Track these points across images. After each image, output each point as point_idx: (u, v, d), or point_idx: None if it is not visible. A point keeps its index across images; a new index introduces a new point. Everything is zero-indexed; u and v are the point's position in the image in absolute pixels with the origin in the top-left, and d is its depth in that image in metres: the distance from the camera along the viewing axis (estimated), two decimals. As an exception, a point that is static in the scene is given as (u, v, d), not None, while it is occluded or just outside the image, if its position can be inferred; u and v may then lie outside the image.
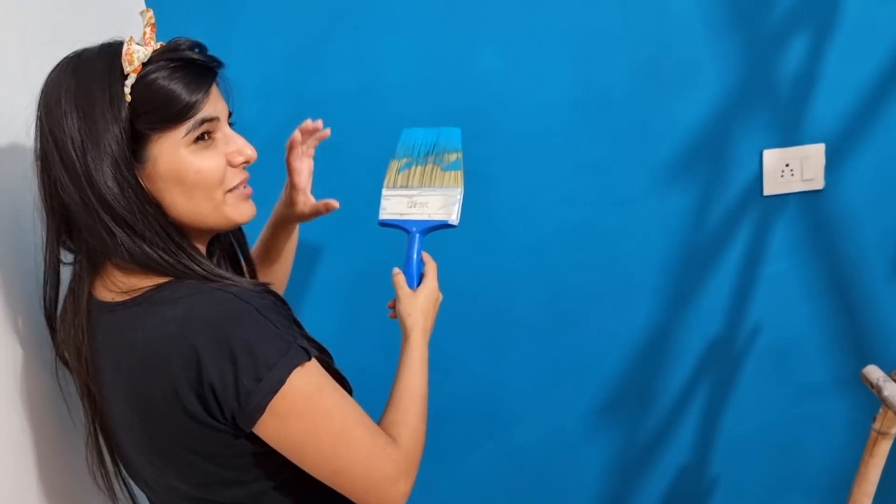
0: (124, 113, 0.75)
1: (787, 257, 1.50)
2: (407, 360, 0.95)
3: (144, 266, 0.79)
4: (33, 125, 0.79)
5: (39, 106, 0.78)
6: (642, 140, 1.42)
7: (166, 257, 0.78)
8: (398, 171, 1.10)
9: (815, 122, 1.41)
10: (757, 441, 1.62)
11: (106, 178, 0.75)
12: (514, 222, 1.46)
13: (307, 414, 0.76)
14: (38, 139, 0.78)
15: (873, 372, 1.16)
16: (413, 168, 1.09)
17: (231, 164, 0.83)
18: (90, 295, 0.82)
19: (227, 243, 0.98)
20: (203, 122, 0.79)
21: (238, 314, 0.75)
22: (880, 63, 1.38)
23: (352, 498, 0.83)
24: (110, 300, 0.81)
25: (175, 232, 0.80)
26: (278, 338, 0.76)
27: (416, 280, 1.03)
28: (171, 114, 0.76)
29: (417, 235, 1.05)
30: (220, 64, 0.83)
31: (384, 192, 1.09)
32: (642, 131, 1.41)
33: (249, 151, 0.84)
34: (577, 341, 1.55)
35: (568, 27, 1.35)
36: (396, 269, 1.04)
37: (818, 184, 1.44)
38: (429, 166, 1.09)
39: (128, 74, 0.75)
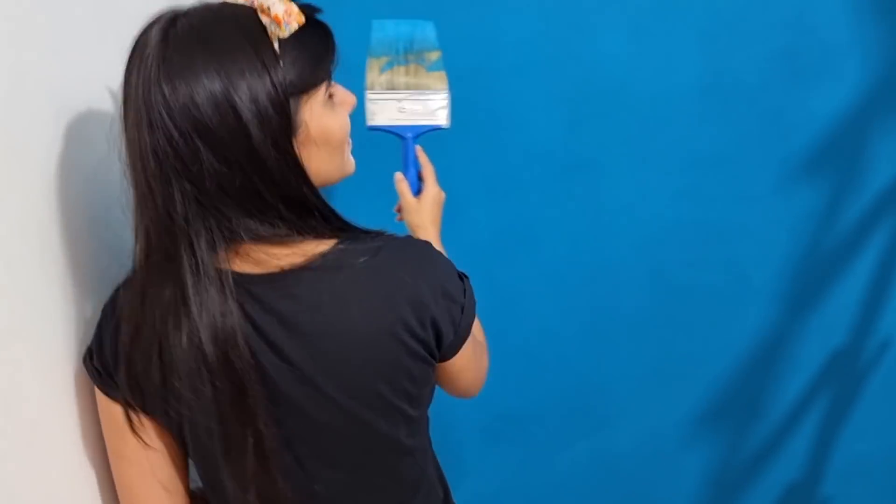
0: (277, 78, 0.67)
1: (926, 267, 1.37)
2: None
3: (311, 235, 0.73)
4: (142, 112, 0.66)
5: (162, 86, 0.65)
6: (773, 132, 1.32)
7: (329, 223, 0.75)
8: (381, 71, 1.05)
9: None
10: (877, 462, 1.51)
11: (267, 151, 0.67)
12: (628, 213, 1.38)
13: (475, 331, 0.84)
14: (168, 119, 0.65)
15: None
16: (396, 68, 1.05)
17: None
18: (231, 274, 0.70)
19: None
20: (332, 78, 0.75)
21: (427, 256, 0.79)
22: None
23: (467, 394, 0.91)
24: (281, 269, 0.71)
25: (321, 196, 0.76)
26: (454, 268, 0.82)
27: (417, 184, 1.04)
28: (320, 73, 0.71)
29: (413, 140, 1.05)
30: (329, 30, 0.76)
31: (368, 94, 1.04)
32: (774, 123, 1.31)
33: (353, 99, 0.79)
34: (684, 342, 1.46)
35: (700, 8, 1.26)
36: (399, 175, 1.03)
37: (969, 187, 1.31)
38: (412, 66, 1.06)
39: (274, 37, 0.68)
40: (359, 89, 0.87)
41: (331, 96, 0.74)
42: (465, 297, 0.80)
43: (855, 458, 1.50)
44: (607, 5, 1.27)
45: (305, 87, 0.70)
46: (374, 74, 1.05)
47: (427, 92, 1.05)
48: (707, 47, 1.28)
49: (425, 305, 0.75)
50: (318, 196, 0.73)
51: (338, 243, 0.74)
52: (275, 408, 0.72)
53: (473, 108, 1.32)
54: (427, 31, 1.06)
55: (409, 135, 1.04)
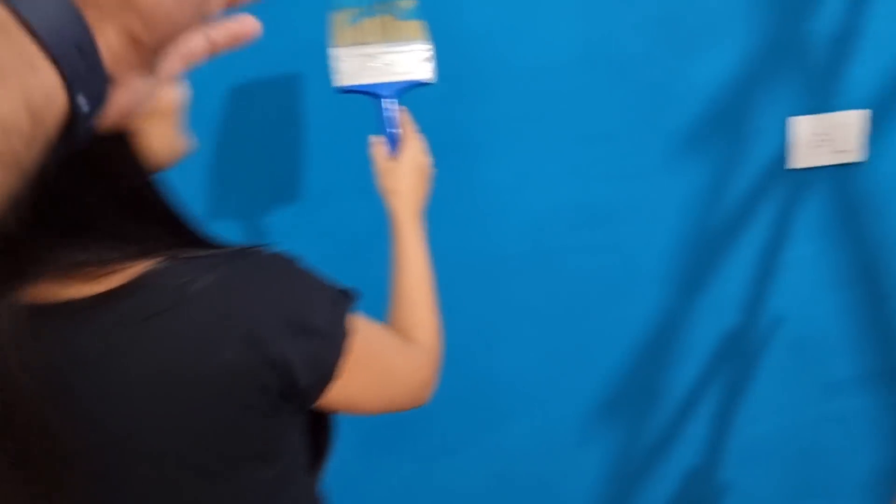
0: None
1: (815, 240, 1.33)
2: (402, 248, 0.87)
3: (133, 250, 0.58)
4: None
5: None
6: (657, 105, 1.23)
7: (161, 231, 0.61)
8: (346, 26, 0.95)
9: (854, 85, 1.24)
10: (774, 444, 1.47)
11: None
12: (510, 198, 1.27)
13: (361, 365, 0.67)
14: None
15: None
16: (364, 21, 0.95)
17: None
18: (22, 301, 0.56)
19: None
20: None
21: (277, 278, 0.62)
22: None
23: (388, 411, 0.76)
24: (70, 298, 0.56)
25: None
26: (322, 289, 0.65)
27: (395, 148, 0.93)
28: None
29: (392, 99, 0.94)
30: None
31: (335, 52, 0.94)
32: (657, 95, 1.23)
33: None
34: (577, 331, 1.37)
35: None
36: (373, 139, 0.93)
37: (855, 156, 1.27)
38: (382, 17, 0.96)
39: None
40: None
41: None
42: (337, 326, 0.64)
43: (752, 441, 1.46)
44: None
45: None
46: (339, 29, 0.95)
47: (402, 43, 0.95)
48: (583, 17, 1.18)
49: (265, 342, 0.58)
50: (156, 191, 0.60)
51: (162, 261, 0.58)
52: (66, 471, 0.58)
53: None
54: None
55: (386, 93, 0.94)
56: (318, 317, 0.63)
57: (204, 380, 0.57)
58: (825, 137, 1.25)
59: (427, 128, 1.19)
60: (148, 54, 0.37)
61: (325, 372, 0.63)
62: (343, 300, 0.67)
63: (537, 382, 1.40)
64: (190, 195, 0.69)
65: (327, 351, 0.63)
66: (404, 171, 0.91)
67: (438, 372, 0.83)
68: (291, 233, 1.25)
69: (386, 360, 0.73)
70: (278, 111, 1.19)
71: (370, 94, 0.95)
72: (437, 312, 0.87)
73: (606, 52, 1.20)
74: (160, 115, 0.62)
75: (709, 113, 1.24)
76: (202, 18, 0.39)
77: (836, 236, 1.33)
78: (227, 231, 1.09)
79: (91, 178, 0.55)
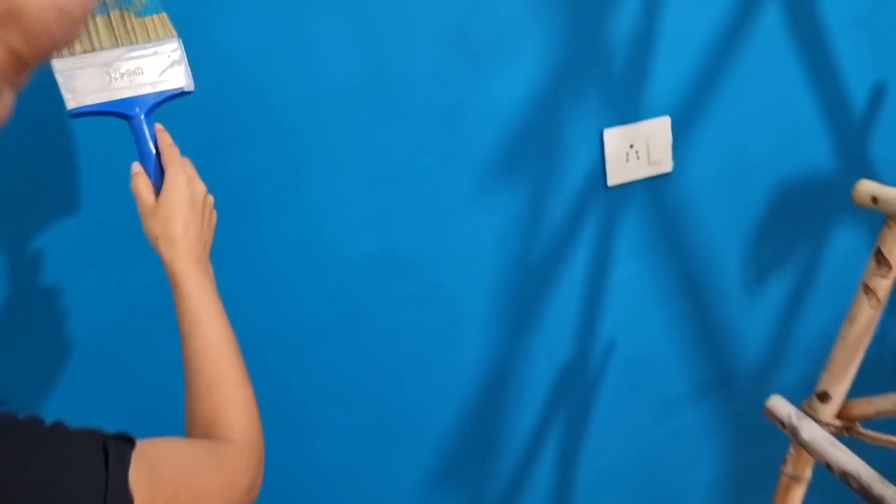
0: None
1: (637, 258, 1.24)
2: (185, 310, 0.69)
3: None
4: None
5: None
6: (456, 130, 1.07)
7: None
8: None
9: (657, 91, 1.15)
10: (621, 471, 1.38)
11: None
12: (301, 256, 1.05)
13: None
14: None
15: (782, 406, 0.92)
16: (92, 21, 0.75)
17: None
18: None
19: None
20: None
21: (17, 461, 0.45)
22: (720, 16, 1.15)
23: None
24: None
25: None
26: (92, 452, 0.49)
27: (158, 178, 0.75)
28: None
29: (144, 118, 0.76)
30: None
31: (57, 65, 0.72)
32: (456, 119, 1.06)
33: None
34: (402, 395, 1.18)
35: (343, -18, 0.96)
36: (136, 167, 0.75)
37: (666, 166, 1.19)
38: (115, 13, 0.76)
39: None
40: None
41: None
42: (106, 495, 0.48)
43: (601, 473, 1.36)
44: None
45: None
46: None
47: (145, 45, 0.76)
48: (364, 36, 0.99)
49: None
50: None
51: None
52: None
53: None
54: None
55: (138, 110, 0.75)
56: (78, 492, 0.47)
57: None
58: (637, 148, 1.16)
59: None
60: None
61: None
62: (117, 454, 0.51)
63: (365, 460, 1.20)
64: None
65: None
66: (171, 209, 0.72)
67: (262, 457, 0.68)
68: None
69: (189, 491, 0.57)
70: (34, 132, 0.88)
71: (116, 115, 0.76)
72: (247, 385, 0.71)
73: (391, 74, 1.02)
74: None
75: (514, 134, 1.10)
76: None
77: (658, 251, 1.25)
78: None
79: None
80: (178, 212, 0.73)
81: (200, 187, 0.76)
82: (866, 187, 0.81)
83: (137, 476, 0.51)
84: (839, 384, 0.87)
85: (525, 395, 1.27)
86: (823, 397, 0.88)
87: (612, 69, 1.12)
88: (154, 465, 0.54)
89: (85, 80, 0.74)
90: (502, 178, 1.11)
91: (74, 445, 0.50)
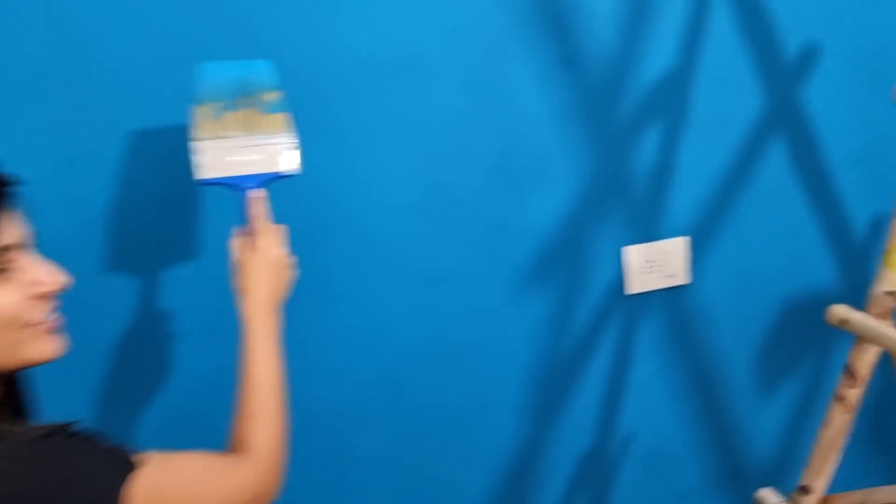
0: None
1: (655, 358, 1.39)
2: (246, 353, 0.85)
3: None
4: None
5: None
6: (496, 243, 1.26)
7: None
8: (208, 120, 0.95)
9: (675, 215, 1.33)
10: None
11: None
12: (358, 342, 1.24)
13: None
14: None
15: (769, 497, 1.05)
16: (226, 115, 0.95)
17: (32, 297, 0.71)
18: None
19: (14, 378, 0.78)
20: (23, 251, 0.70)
21: (46, 463, 0.65)
22: (733, 152, 1.33)
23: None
24: None
25: None
26: (98, 465, 0.67)
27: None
28: None
29: (252, 192, 0.94)
30: (12, 182, 0.71)
31: (195, 145, 0.93)
32: (497, 233, 1.26)
33: (55, 279, 0.73)
34: (437, 471, 1.34)
35: (409, 119, 1.18)
36: (237, 230, 0.93)
37: (682, 279, 1.35)
38: (245, 111, 0.96)
39: None
40: None
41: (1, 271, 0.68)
42: (110, 493, 0.66)
43: (617, 559, 1.47)
44: (313, 122, 1.14)
45: None
46: (200, 123, 0.94)
47: (264, 136, 0.95)
48: (421, 162, 1.20)
49: None
50: None
51: None
52: None
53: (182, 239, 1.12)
54: (261, 71, 0.97)
55: (246, 186, 0.93)
56: (81, 497, 0.64)
57: None
58: (655, 263, 1.33)
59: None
60: None
61: None
62: (121, 469, 0.67)
63: (400, 527, 1.34)
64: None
65: None
66: (252, 268, 0.89)
67: (277, 477, 0.82)
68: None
69: (191, 499, 0.73)
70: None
71: (231, 187, 0.94)
72: (280, 420, 0.85)
73: (445, 195, 1.22)
74: None
75: (546, 247, 1.28)
76: None
77: (673, 353, 1.39)
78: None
79: None
80: (257, 271, 0.89)
81: (280, 252, 0.92)
82: (837, 311, 0.96)
83: (142, 486, 0.67)
84: (818, 479, 1.00)
85: (549, 479, 1.40)
86: (806, 490, 1.01)
87: (634, 195, 1.30)
88: (162, 478, 0.70)
89: (213, 158, 0.93)
90: (535, 285, 1.29)
91: (98, 455, 0.67)
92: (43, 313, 0.73)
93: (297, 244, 1.15)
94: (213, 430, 0.89)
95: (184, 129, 0.99)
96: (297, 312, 1.06)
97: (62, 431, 0.68)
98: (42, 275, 0.72)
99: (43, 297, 0.72)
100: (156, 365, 1.16)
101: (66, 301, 0.77)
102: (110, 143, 1.08)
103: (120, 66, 1.06)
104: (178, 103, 1.02)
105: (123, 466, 0.68)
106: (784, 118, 1.34)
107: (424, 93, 1.18)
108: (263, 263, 0.90)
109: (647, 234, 1.32)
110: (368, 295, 1.22)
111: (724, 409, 1.45)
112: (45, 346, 0.73)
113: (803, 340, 1.45)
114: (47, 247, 0.77)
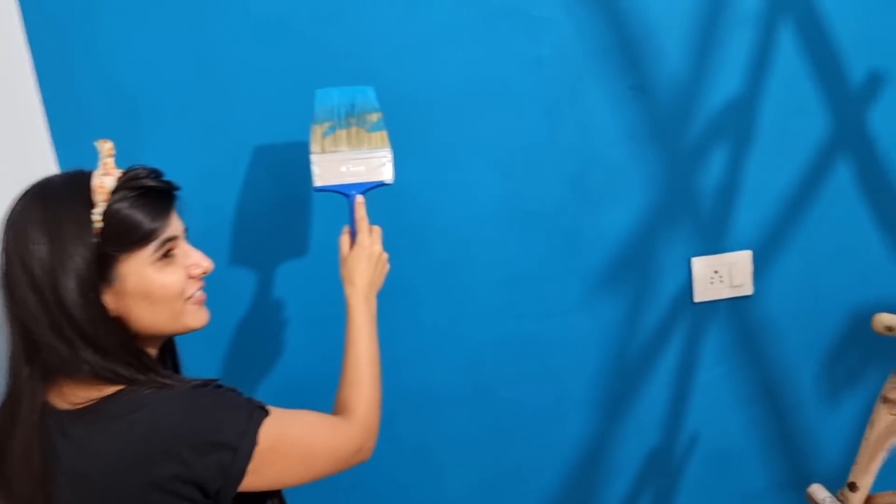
0: (93, 239, 0.81)
1: (721, 364, 1.48)
2: (350, 332, 1.02)
3: (104, 379, 0.83)
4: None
5: (6, 233, 0.82)
6: (572, 251, 1.39)
7: (125, 371, 0.83)
8: (323, 136, 1.13)
9: (740, 229, 1.42)
10: (701, 554, 1.57)
11: (73, 297, 0.80)
12: (445, 336, 1.40)
13: (278, 456, 0.85)
14: (4, 264, 0.82)
15: (819, 492, 1.13)
16: (338, 132, 1.14)
17: (190, 276, 0.90)
18: (44, 405, 0.83)
19: (170, 342, 1.00)
20: (165, 242, 0.86)
21: (201, 406, 0.83)
22: (798, 172, 1.41)
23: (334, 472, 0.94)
24: (66, 409, 0.82)
25: (132, 345, 0.86)
26: (239, 409, 0.84)
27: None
28: (137, 238, 0.84)
29: (356, 197, 1.11)
30: (176, 188, 0.90)
31: (313, 157, 1.12)
32: (572, 242, 1.39)
33: (206, 263, 0.92)
34: (512, 456, 1.47)
35: (495, 140, 1.33)
36: (344, 229, 1.10)
37: (747, 289, 1.44)
38: (353, 129, 1.14)
39: (96, 204, 0.82)
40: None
41: (166, 255, 0.87)
42: (243, 437, 0.82)
43: (681, 553, 1.56)
44: (409, 141, 1.31)
45: (126, 246, 0.83)
46: (317, 139, 1.13)
47: (368, 151, 1.13)
48: (505, 176, 1.35)
49: (177, 462, 0.79)
50: (128, 343, 0.85)
51: (121, 390, 0.82)
52: None
53: (279, 239, 1.31)
54: (367, 95, 1.16)
55: (353, 192, 1.11)
56: (227, 433, 0.82)
57: (124, 487, 0.79)
58: (721, 274, 1.42)
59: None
60: None
61: (233, 477, 0.82)
62: (256, 415, 0.84)
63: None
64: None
65: (235, 461, 0.82)
66: (355, 261, 1.05)
67: (374, 436, 0.98)
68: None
69: (305, 445, 0.89)
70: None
71: (341, 193, 1.12)
72: (377, 388, 1.01)
73: (525, 206, 1.37)
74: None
75: (617, 256, 1.41)
76: None
77: (738, 360, 1.48)
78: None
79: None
80: (359, 264, 1.05)
81: (377, 248, 1.08)
82: (881, 318, 1.04)
83: (267, 430, 0.84)
84: (864, 477, 1.08)
85: (616, 472, 1.51)
86: (852, 487, 1.09)
87: (701, 210, 1.41)
88: (284, 426, 0.86)
89: (327, 168, 1.12)
90: (607, 289, 1.42)
91: (237, 405, 0.84)
92: (196, 289, 0.92)
93: (395, 247, 1.32)
94: (320, 400, 1.07)
95: (303, 145, 1.19)
96: (392, 308, 1.23)
97: (211, 384, 0.87)
98: (198, 258, 0.91)
99: (197, 276, 0.91)
100: (271, 345, 1.36)
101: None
102: (241, 157, 1.29)
103: (251, 93, 1.27)
104: (299, 123, 1.21)
105: (259, 412, 0.85)
106: (849, 139, 1.41)
107: (509, 116, 1.33)
108: (364, 257, 1.06)
109: (714, 246, 1.42)
110: (456, 294, 1.38)
111: (788, 415, 1.52)
112: (198, 316, 0.92)
113: (868, 351, 1.51)
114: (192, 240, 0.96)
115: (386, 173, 1.14)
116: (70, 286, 0.79)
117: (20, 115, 1.20)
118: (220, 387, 0.87)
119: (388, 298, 1.19)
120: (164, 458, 0.79)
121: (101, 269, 0.82)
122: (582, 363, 1.45)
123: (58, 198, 0.83)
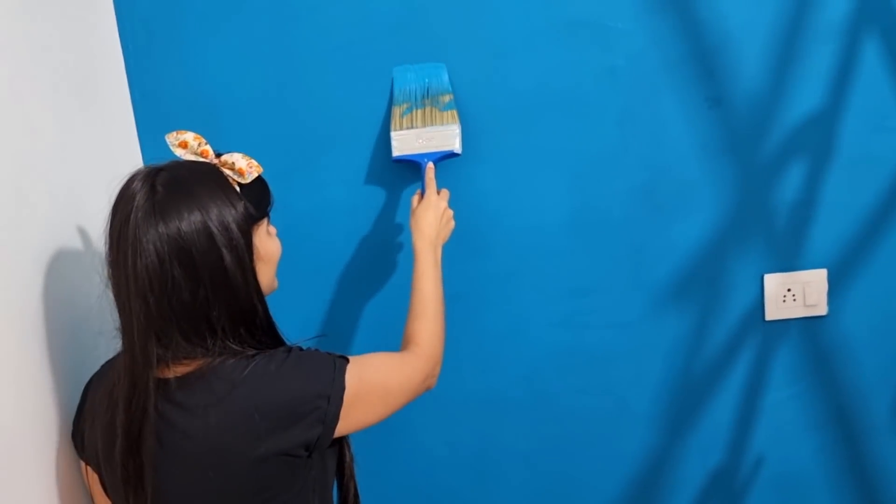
0: (241, 210, 0.87)
1: (790, 385, 1.44)
2: (416, 272, 1.13)
3: (220, 353, 0.87)
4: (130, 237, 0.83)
5: (151, 217, 0.83)
6: (639, 262, 1.38)
7: (266, 338, 0.92)
8: (402, 116, 1.29)
9: (816, 247, 1.38)
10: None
11: (238, 268, 0.86)
12: (507, 343, 1.40)
13: (361, 398, 0.91)
14: (157, 246, 0.82)
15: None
16: (414, 111, 1.29)
17: None
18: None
19: None
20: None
21: (295, 371, 0.88)
22: (879, 190, 1.37)
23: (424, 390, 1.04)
24: (171, 376, 0.87)
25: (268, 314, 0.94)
26: (324, 363, 0.91)
27: None
28: (266, 207, 0.94)
29: (429, 165, 1.26)
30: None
31: (392, 134, 1.29)
32: (639, 253, 1.38)
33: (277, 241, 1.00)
34: (569, 469, 1.46)
35: (566, 149, 1.33)
36: (416, 193, 1.24)
37: (821, 310, 1.40)
38: (427, 108, 1.29)
39: (235, 179, 0.89)
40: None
41: (269, 227, 0.96)
42: (332, 384, 0.88)
43: (742, 578, 1.51)
44: (480, 147, 1.33)
45: (256, 219, 0.91)
46: (396, 118, 1.29)
47: (440, 126, 1.28)
48: (574, 186, 1.35)
49: (281, 430, 0.85)
50: (265, 307, 0.91)
51: (223, 360, 0.87)
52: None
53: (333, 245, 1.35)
54: (440, 76, 1.30)
55: (426, 160, 1.26)
56: (320, 385, 0.88)
57: (232, 446, 0.85)
58: (794, 293, 1.39)
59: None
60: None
61: (329, 423, 0.88)
62: (341, 364, 0.91)
63: (535, 516, 1.48)
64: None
65: (330, 407, 0.88)
66: (423, 211, 1.18)
67: (438, 365, 1.07)
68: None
69: (381, 384, 0.96)
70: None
71: (414, 162, 1.28)
72: (441, 323, 1.10)
73: (593, 216, 1.36)
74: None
75: (687, 270, 1.38)
76: None
77: (809, 381, 1.44)
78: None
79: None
80: (426, 213, 1.18)
81: (443, 204, 1.21)
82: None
83: (350, 376, 0.90)
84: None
85: (675, 491, 1.48)
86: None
87: (775, 225, 1.37)
88: (361, 370, 0.92)
89: (404, 141, 1.28)
90: (673, 303, 1.39)
91: (322, 359, 0.91)
92: None
93: (461, 252, 1.34)
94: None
95: (377, 149, 1.27)
96: (456, 312, 1.24)
97: (295, 349, 0.93)
98: (274, 235, 0.99)
99: None
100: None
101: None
102: (314, 156, 1.33)
103: (327, 97, 1.31)
104: (374, 128, 1.31)
105: (341, 360, 0.93)
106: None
107: (581, 125, 1.33)
108: (431, 208, 1.18)
109: (788, 263, 1.39)
110: (519, 301, 1.38)
111: (860, 442, 1.46)
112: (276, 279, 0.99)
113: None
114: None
115: (456, 144, 1.28)
116: (230, 257, 0.85)
117: (111, 112, 1.26)
118: (302, 349, 0.93)
119: (452, 302, 1.21)
120: (269, 432, 0.85)
121: (249, 239, 0.88)
122: (645, 377, 1.43)
123: (195, 178, 0.87)
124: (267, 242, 0.93)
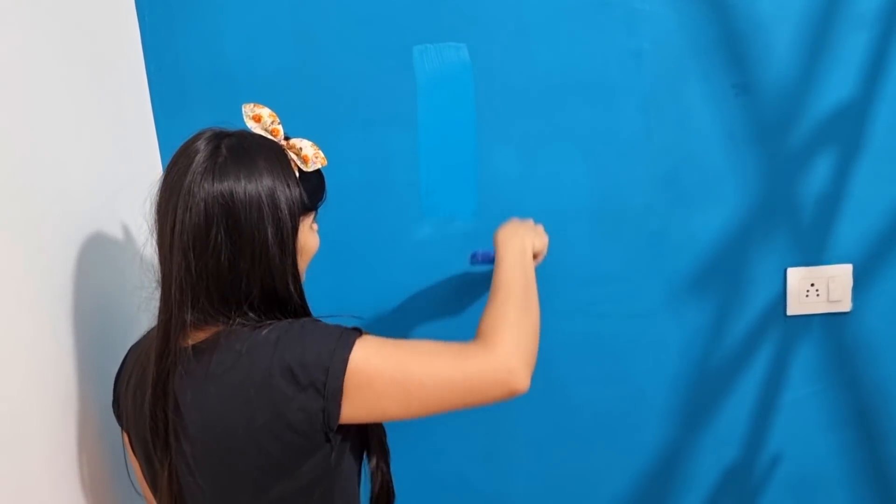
0: (297, 196, 0.88)
1: (811, 382, 1.41)
2: (496, 271, 1.05)
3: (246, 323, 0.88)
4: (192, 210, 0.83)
5: (204, 179, 0.83)
6: (660, 252, 1.35)
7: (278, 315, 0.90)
8: None
9: (841, 242, 1.35)
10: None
11: (277, 247, 0.86)
12: (522, 331, 1.38)
13: (373, 379, 0.84)
14: (210, 208, 0.83)
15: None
16: None
17: None
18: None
19: None
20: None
21: (304, 337, 0.85)
22: (909, 185, 1.33)
23: (482, 404, 0.89)
24: (191, 344, 0.87)
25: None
26: (329, 333, 0.86)
27: None
28: (318, 200, 0.94)
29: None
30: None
31: None
32: (660, 243, 1.35)
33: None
34: (582, 460, 1.44)
35: (587, 134, 1.31)
36: None
37: (845, 306, 1.36)
38: None
39: (298, 164, 0.90)
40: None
41: (313, 222, 0.95)
42: (332, 356, 0.83)
43: (754, 576, 1.49)
44: (500, 132, 1.30)
45: (306, 210, 0.91)
46: None
47: None
48: (594, 172, 1.32)
49: (279, 388, 0.83)
50: (300, 291, 0.91)
51: (238, 327, 0.86)
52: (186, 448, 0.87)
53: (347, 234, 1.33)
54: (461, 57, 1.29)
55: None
56: (319, 354, 0.83)
57: (242, 429, 0.84)
58: (818, 288, 1.35)
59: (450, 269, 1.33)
60: None
61: (331, 396, 0.83)
62: (346, 337, 0.86)
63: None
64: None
65: (329, 379, 0.83)
66: (505, 228, 1.13)
67: (520, 362, 0.89)
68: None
69: (401, 371, 0.86)
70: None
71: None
72: (521, 311, 0.97)
73: (614, 204, 1.33)
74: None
75: (707, 261, 1.35)
76: None
77: (831, 379, 1.40)
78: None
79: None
80: (509, 227, 1.13)
81: (531, 220, 1.18)
82: None
83: (357, 352, 0.84)
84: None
85: (689, 485, 1.45)
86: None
87: (801, 218, 1.34)
88: (376, 350, 0.85)
89: None
90: (693, 295, 1.36)
91: (327, 330, 0.86)
92: None
93: (479, 240, 1.32)
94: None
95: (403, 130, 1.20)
96: (476, 301, 1.22)
97: (313, 319, 0.90)
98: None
99: None
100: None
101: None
102: (337, 141, 1.31)
103: (347, 84, 1.29)
104: (395, 112, 1.27)
105: (349, 334, 0.86)
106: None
107: (604, 110, 1.30)
108: (518, 223, 1.15)
109: (812, 258, 1.35)
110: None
111: (881, 442, 1.43)
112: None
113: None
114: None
115: None
116: (273, 234, 0.85)
117: (127, 96, 1.25)
118: (316, 320, 0.90)
119: (467, 289, 1.19)
120: (263, 400, 0.83)
121: (296, 224, 0.88)
122: (662, 368, 1.40)
123: (260, 151, 0.87)
124: (308, 236, 0.93)
